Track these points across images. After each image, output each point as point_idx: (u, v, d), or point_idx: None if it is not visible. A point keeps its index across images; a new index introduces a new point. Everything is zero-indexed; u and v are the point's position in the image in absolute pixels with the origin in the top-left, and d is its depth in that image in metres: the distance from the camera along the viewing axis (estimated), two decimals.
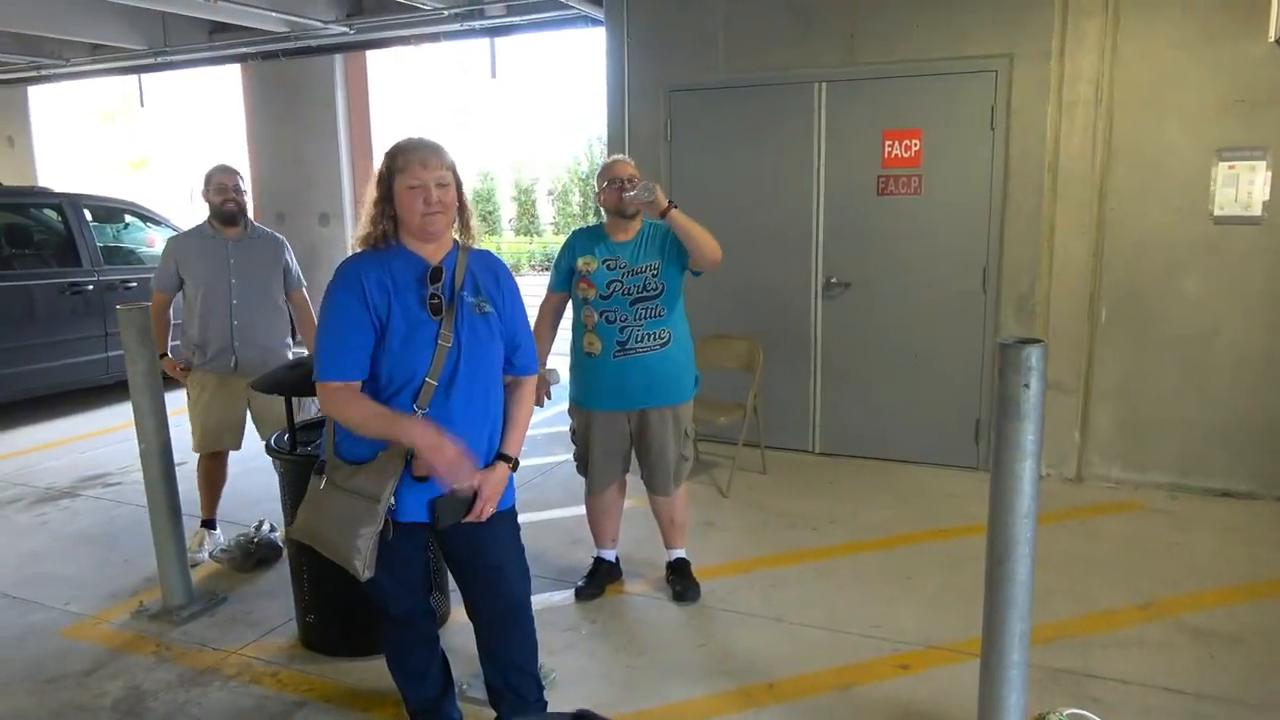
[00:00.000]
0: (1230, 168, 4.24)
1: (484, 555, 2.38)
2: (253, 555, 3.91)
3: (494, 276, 2.37)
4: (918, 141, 4.82)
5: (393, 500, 2.23)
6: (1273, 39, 4.05)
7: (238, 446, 4.10)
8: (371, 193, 2.25)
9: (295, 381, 3.08)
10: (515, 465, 2.38)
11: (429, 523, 2.28)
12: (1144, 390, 4.65)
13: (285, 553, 3.92)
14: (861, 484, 4.89)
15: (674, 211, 3.11)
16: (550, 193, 24.74)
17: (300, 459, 3.07)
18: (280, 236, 4.18)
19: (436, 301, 2.22)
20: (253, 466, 4.60)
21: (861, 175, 4.98)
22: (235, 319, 3.89)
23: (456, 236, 2.35)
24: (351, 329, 2.19)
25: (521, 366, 2.42)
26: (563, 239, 3.45)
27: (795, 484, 4.90)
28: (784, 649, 3.19)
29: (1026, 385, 2.10)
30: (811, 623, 3.37)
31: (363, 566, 2.21)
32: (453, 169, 2.27)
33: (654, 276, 3.28)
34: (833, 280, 5.16)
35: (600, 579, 3.62)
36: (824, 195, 5.09)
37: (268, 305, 4.01)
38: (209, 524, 4.16)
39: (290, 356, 4.05)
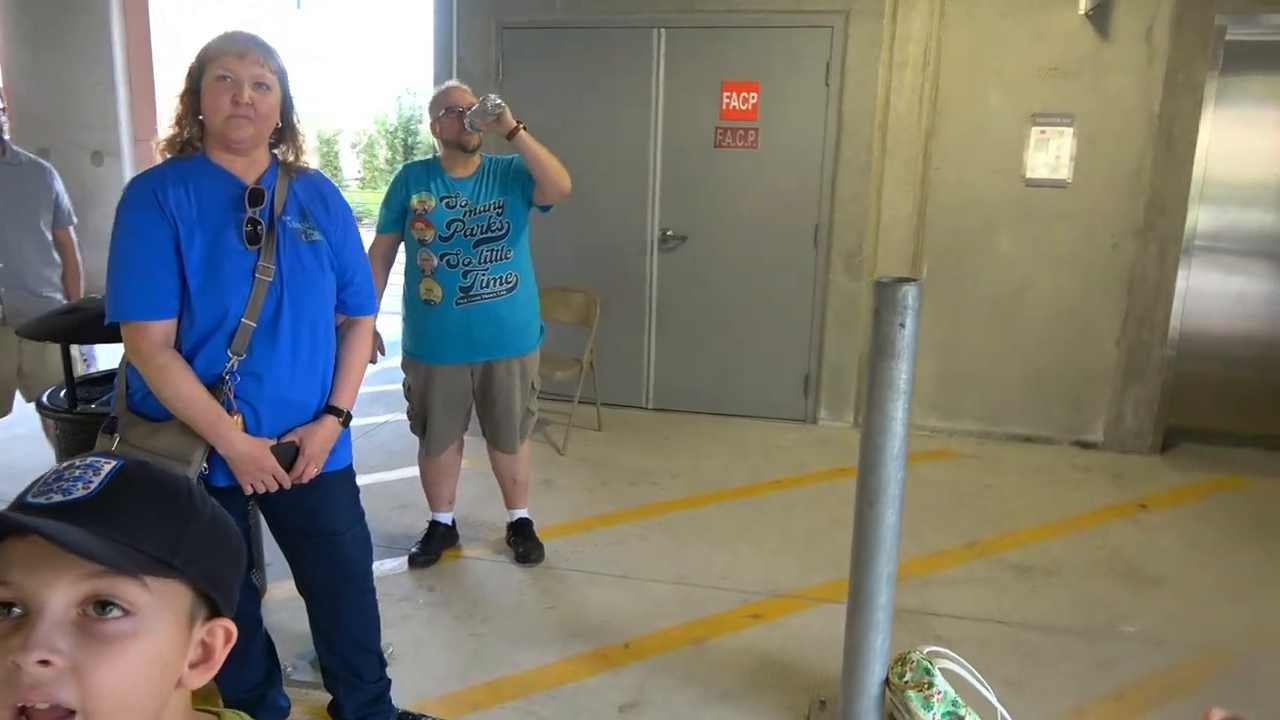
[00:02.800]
0: (1042, 133, 4.48)
1: (318, 522, 2.09)
2: None
3: (322, 200, 2.05)
4: (755, 95, 4.79)
5: (205, 464, 1.91)
6: (1082, 11, 4.30)
7: (7, 410, 3.53)
8: (179, 87, 1.88)
9: (72, 327, 2.60)
10: (347, 420, 2.10)
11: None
12: (959, 344, 4.89)
13: None
14: (697, 439, 4.86)
15: (523, 132, 2.87)
16: (354, 145, 23.38)
17: (81, 418, 2.61)
18: (48, 164, 3.59)
19: (254, 228, 1.89)
20: (17, 434, 3.97)
21: (699, 127, 4.90)
22: None
23: (276, 154, 2.02)
24: (154, 256, 1.83)
25: (355, 305, 2.13)
26: (369, 194, 3.14)
27: (632, 440, 4.81)
28: (635, 606, 3.08)
29: (902, 324, 2.06)
30: (660, 578, 3.28)
31: None
32: (280, 75, 1.94)
33: (499, 215, 3.04)
34: (669, 233, 5.07)
35: (436, 544, 3.37)
36: (661, 146, 4.97)
37: (37, 243, 3.44)
38: None
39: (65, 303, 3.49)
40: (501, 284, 3.07)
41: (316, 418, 2.02)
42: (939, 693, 2.26)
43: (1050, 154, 4.51)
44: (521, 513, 3.46)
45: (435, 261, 3.02)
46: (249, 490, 1.94)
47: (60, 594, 0.65)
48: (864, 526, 2.21)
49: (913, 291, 2.06)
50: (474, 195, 3.03)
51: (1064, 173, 4.52)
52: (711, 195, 4.98)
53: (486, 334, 3.09)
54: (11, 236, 3.33)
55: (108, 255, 1.86)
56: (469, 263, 3.01)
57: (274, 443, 1.94)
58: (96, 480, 0.69)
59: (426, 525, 3.42)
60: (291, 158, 2.00)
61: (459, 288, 3.02)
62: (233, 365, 1.88)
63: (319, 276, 2.00)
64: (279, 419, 1.96)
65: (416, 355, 3.16)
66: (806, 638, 2.89)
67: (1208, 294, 4.72)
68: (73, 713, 0.64)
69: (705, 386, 5.22)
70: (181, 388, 1.83)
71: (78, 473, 0.70)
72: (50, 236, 3.50)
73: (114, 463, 0.71)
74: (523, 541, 3.40)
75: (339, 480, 2.12)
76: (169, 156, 1.91)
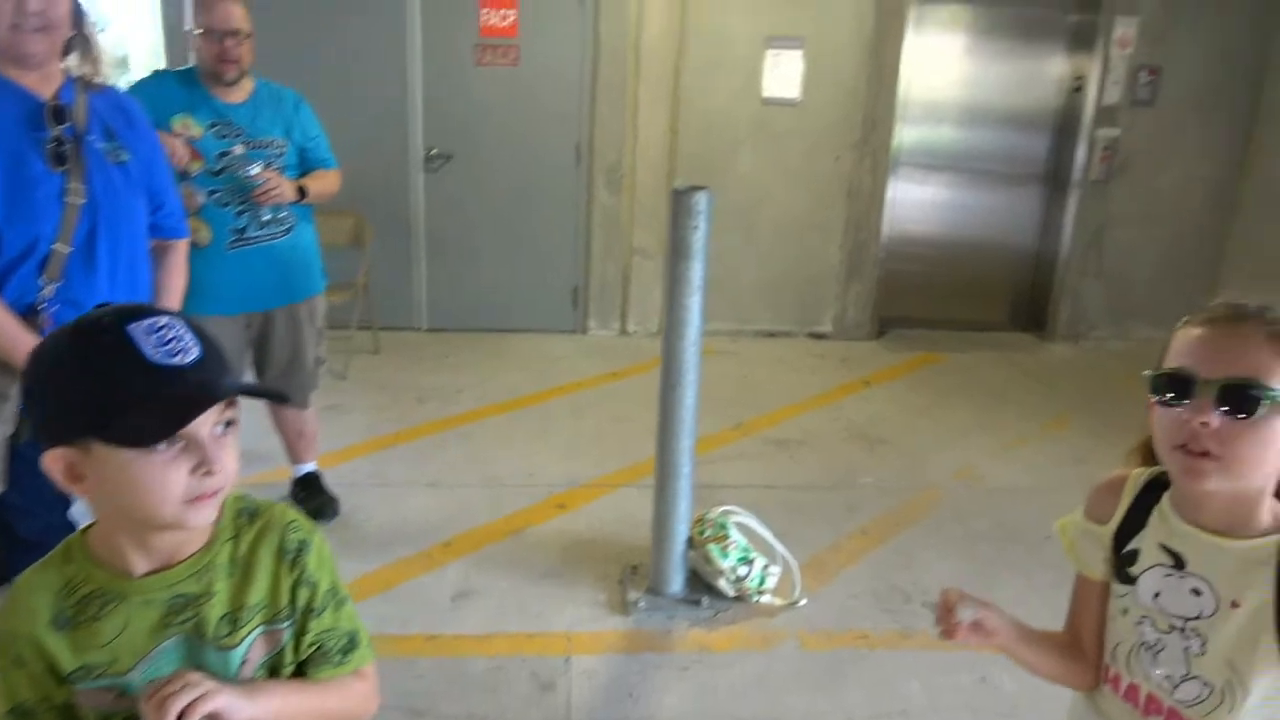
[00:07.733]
0: (776, 54, 4.95)
1: None
2: None
3: (125, 116, 1.98)
4: (514, 12, 4.85)
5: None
6: None
7: None
8: None
9: None
10: None
11: None
12: (710, 253, 5.34)
13: None
14: (476, 355, 5.01)
15: (309, 194, 2.88)
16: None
17: None
18: None
19: (61, 148, 1.81)
20: None
21: (460, 44, 4.89)
22: None
23: (69, 67, 1.91)
24: None
25: (170, 228, 2.10)
26: None
27: (412, 360, 4.87)
28: (448, 510, 3.26)
29: (696, 227, 2.36)
30: (467, 482, 3.47)
31: None
32: None
33: (279, 156, 2.82)
34: (434, 151, 5.07)
35: None
36: (422, 64, 4.92)
37: None
38: None
39: None
40: (279, 225, 2.85)
41: None
42: (733, 543, 2.68)
43: (783, 74, 5.00)
44: (309, 467, 3.22)
45: (201, 198, 2.73)
46: None
47: (206, 426, 0.97)
48: (668, 407, 2.53)
49: (704, 198, 2.36)
50: (251, 126, 2.78)
51: (794, 92, 5.04)
52: (475, 113, 5.03)
53: (267, 280, 2.86)
54: None
55: None
56: (244, 200, 2.76)
57: None
58: (192, 339, 0.95)
59: None
60: (88, 70, 1.90)
61: (230, 229, 2.76)
62: (48, 293, 1.81)
63: (132, 198, 1.94)
64: None
65: (183, 306, 2.92)
66: (609, 519, 3.23)
67: (909, 202, 5.51)
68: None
69: (478, 304, 5.35)
70: None
71: (174, 333, 0.94)
72: None
73: (181, 321, 0.96)
74: (314, 497, 3.17)
75: None
76: None
